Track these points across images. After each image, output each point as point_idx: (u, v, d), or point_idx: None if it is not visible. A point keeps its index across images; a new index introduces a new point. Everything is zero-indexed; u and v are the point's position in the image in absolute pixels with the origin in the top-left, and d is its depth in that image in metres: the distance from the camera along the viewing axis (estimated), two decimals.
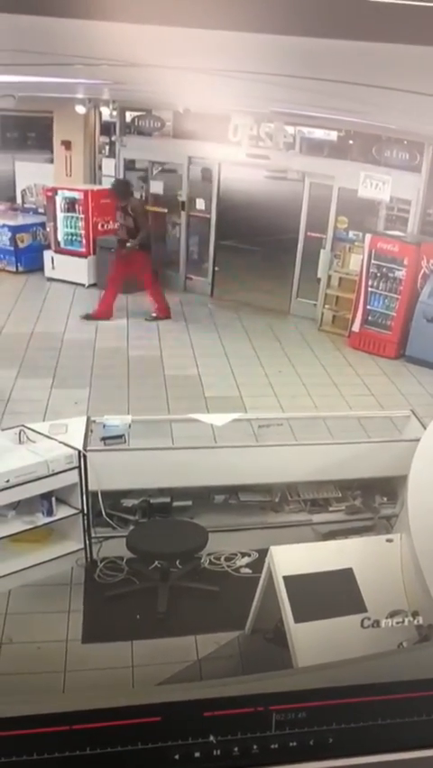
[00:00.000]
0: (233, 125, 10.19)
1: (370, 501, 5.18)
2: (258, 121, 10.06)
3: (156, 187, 11.11)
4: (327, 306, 9.66)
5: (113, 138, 11.46)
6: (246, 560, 4.67)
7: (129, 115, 11.17)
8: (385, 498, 5.18)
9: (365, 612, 3.20)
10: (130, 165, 11.43)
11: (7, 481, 4.27)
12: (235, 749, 1.62)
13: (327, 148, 9.93)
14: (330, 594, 3.37)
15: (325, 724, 1.68)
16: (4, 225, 11.22)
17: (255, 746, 1.63)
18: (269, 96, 5.90)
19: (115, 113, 11.19)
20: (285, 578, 3.43)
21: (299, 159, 9.93)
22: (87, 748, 1.52)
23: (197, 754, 1.59)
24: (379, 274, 8.88)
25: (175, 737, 1.57)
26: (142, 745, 1.55)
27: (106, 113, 11.48)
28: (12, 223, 11.35)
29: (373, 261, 8.87)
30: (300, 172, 9.87)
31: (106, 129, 11.69)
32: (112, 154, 11.52)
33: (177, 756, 1.56)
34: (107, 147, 11.74)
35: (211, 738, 1.59)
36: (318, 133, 9.91)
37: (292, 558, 3.60)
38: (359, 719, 1.71)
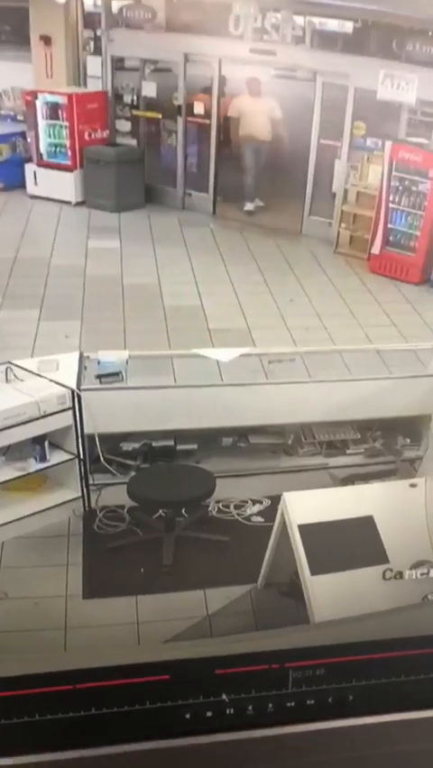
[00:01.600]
0: (234, 15, 9.90)
1: (391, 443, 5.21)
2: (263, 10, 9.77)
3: (149, 89, 10.85)
4: (343, 225, 9.54)
5: (98, 32, 11.13)
6: (258, 507, 4.74)
7: (116, 5, 10.83)
8: (408, 440, 5.21)
9: (387, 563, 3.26)
10: (118, 64, 11.14)
11: None
12: (250, 708, 1.67)
13: (341, 41, 9.65)
14: (349, 544, 3.43)
15: (344, 681, 1.74)
16: None
17: (271, 705, 1.69)
18: None
19: (99, 2, 10.85)
20: (300, 527, 3.47)
21: (310, 54, 9.66)
22: (93, 708, 1.58)
23: (209, 714, 1.64)
24: (401, 188, 8.73)
25: (185, 696, 1.62)
26: (151, 705, 1.60)
27: (90, 2, 11.14)
28: None
29: (394, 173, 8.72)
30: (311, 70, 9.63)
31: (91, 21, 11.35)
32: (97, 51, 11.21)
33: (188, 716, 1.62)
34: (92, 42, 11.40)
35: (224, 697, 1.65)
36: (332, 24, 9.64)
37: (308, 505, 3.63)
38: (381, 676, 1.77)
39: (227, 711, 1.65)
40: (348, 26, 9.43)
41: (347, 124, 9.44)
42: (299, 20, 9.72)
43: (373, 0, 7.42)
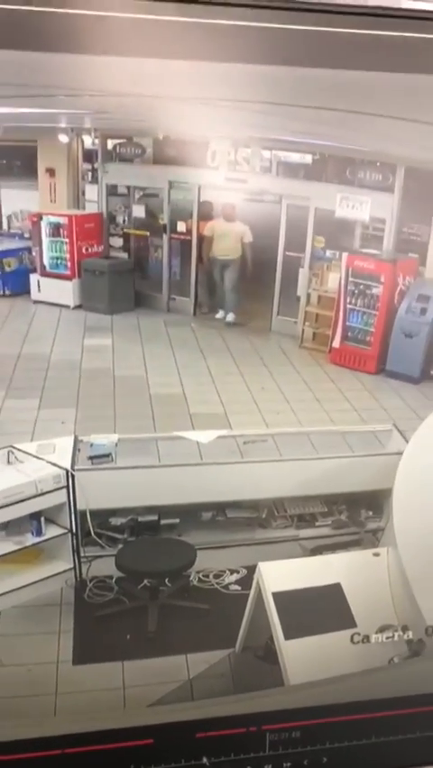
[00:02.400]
0: (211, 151, 10.23)
1: (356, 515, 5.10)
2: (235, 146, 10.09)
3: (138, 211, 11.09)
4: (307, 324, 9.62)
5: (95, 165, 11.46)
6: (235, 576, 4.58)
7: (110, 143, 11.17)
8: (371, 512, 5.11)
9: (355, 627, 3.10)
10: (112, 190, 11.42)
11: None
12: None
13: (302, 170, 9.96)
14: (319, 610, 3.28)
15: (318, 743, 1.61)
16: None
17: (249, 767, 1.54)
18: (245, 121, 5.91)
19: (96, 141, 11.19)
20: (274, 594, 3.34)
21: (276, 181, 9.96)
22: None
23: None
24: (357, 291, 8.86)
25: (168, 760, 1.49)
26: None
27: (89, 141, 11.48)
28: None
29: (350, 279, 8.86)
30: (277, 194, 9.88)
31: (89, 156, 11.69)
32: (94, 180, 11.51)
33: None
34: (90, 173, 11.73)
35: (204, 760, 1.50)
36: (294, 157, 9.96)
37: (281, 574, 3.51)
38: (353, 737, 1.64)
39: None
40: (308, 158, 9.75)
41: (309, 239, 9.64)
42: (267, 153, 10.06)
43: (328, 137, 7.70)
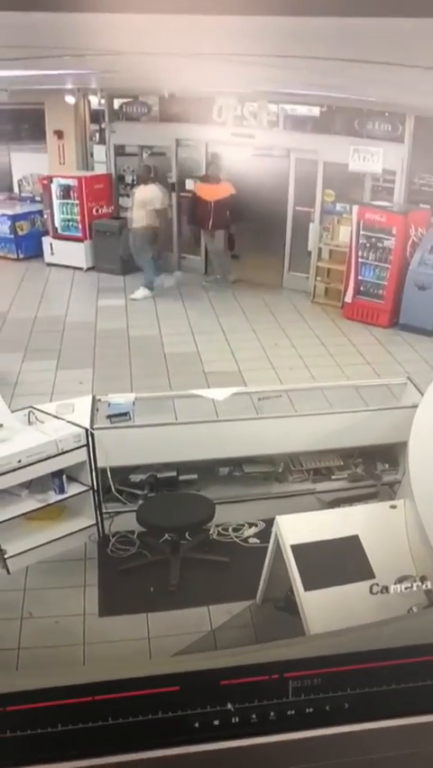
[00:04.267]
0: (217, 106, 10.00)
1: (372, 468, 5.09)
2: (242, 101, 9.87)
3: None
4: (318, 279, 9.52)
5: (102, 125, 11.29)
6: (253, 530, 4.59)
7: (117, 102, 10.99)
8: (387, 465, 5.09)
9: (374, 578, 3.11)
10: (120, 150, 11.26)
11: (19, 461, 4.18)
12: (253, 716, 1.56)
13: (310, 123, 9.70)
14: (338, 561, 3.29)
15: (340, 690, 1.63)
16: (3, 215, 11.11)
17: (273, 713, 1.58)
18: (251, 76, 5.73)
19: (103, 101, 11.00)
20: (293, 546, 3.34)
21: (284, 135, 9.74)
22: (110, 718, 1.47)
23: (216, 722, 1.54)
24: (368, 245, 8.71)
25: (194, 706, 1.52)
26: (163, 714, 1.51)
27: (95, 101, 11.30)
28: (10, 212, 11.23)
29: (361, 232, 8.71)
30: (285, 148, 9.68)
31: (96, 117, 11.52)
32: (102, 141, 11.35)
33: (196, 724, 1.52)
34: (98, 134, 11.57)
35: (229, 706, 1.53)
36: (301, 110, 9.69)
37: (299, 527, 3.50)
38: (373, 684, 1.66)
39: (233, 720, 1.56)
40: (315, 110, 9.49)
41: (318, 192, 9.46)
42: (273, 107, 9.81)
43: (334, 88, 7.48)
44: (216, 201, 9.70)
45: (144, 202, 9.74)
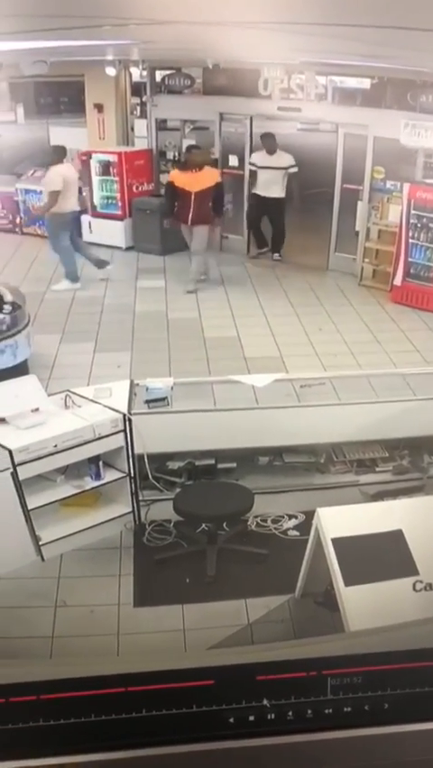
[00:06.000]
0: (263, 79, 9.90)
1: (418, 461, 5.04)
2: (288, 73, 9.75)
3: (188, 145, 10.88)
4: (366, 260, 9.39)
5: (144, 98, 11.27)
6: (293, 522, 4.59)
7: (159, 75, 10.95)
8: None
9: (417, 575, 3.11)
10: (162, 125, 11.24)
11: (55, 446, 4.23)
12: (290, 713, 1.57)
13: (360, 96, 9.54)
14: (380, 557, 3.27)
15: (380, 689, 1.62)
16: (41, 192, 11.16)
17: (310, 711, 1.58)
18: (298, 46, 5.65)
19: (144, 73, 10.98)
20: (334, 540, 3.34)
21: (332, 109, 9.60)
22: (144, 710, 1.49)
23: (251, 718, 1.55)
24: (420, 225, 8.55)
25: (229, 701, 1.53)
26: (197, 708, 1.52)
27: (136, 73, 11.30)
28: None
29: (412, 212, 8.55)
30: (333, 123, 9.55)
31: (137, 90, 11.52)
32: (143, 114, 11.35)
33: (231, 720, 1.53)
34: (138, 108, 11.57)
35: (265, 702, 1.54)
36: (351, 82, 9.52)
37: (340, 520, 3.50)
38: (415, 685, 1.65)
39: (268, 716, 1.57)
40: (366, 83, 9.32)
41: (368, 169, 9.31)
42: (321, 79, 9.67)
43: (387, 59, 7.33)
44: (198, 192, 8.95)
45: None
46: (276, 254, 10.27)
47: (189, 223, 9.00)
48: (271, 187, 9.82)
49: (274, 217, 10.04)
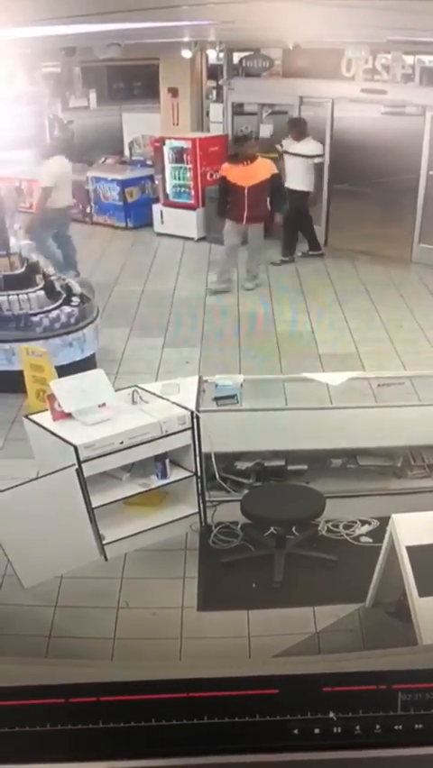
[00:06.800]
0: (346, 59, 9.80)
1: None
2: (373, 52, 9.62)
3: (265, 130, 10.86)
4: None
5: (220, 82, 11.31)
6: (366, 528, 4.56)
7: (236, 57, 10.96)
8: None
9: None
10: (238, 109, 11.25)
11: (121, 443, 4.31)
12: (357, 728, 1.58)
13: None
14: None
15: None
16: (113, 180, 11.37)
17: (378, 726, 1.59)
18: (384, 23, 5.57)
19: (221, 54, 11.01)
20: (409, 548, 3.31)
21: (420, 91, 9.42)
22: (205, 717, 1.53)
23: (316, 731, 1.57)
24: None
25: (294, 712, 1.56)
26: (261, 717, 1.55)
27: (213, 55, 11.34)
28: (120, 177, 11.49)
29: None
30: (421, 106, 9.38)
31: (213, 73, 11.55)
32: (219, 99, 11.37)
33: (296, 731, 1.55)
34: (214, 92, 11.60)
35: (331, 715, 1.56)
36: None
37: (417, 527, 3.46)
38: None
39: (334, 730, 1.57)
40: None
41: None
42: (409, 59, 9.50)
43: None
44: (252, 187, 8.50)
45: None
46: (314, 252, 9.86)
47: (244, 221, 8.67)
48: (294, 177, 9.49)
49: (295, 215, 9.59)
